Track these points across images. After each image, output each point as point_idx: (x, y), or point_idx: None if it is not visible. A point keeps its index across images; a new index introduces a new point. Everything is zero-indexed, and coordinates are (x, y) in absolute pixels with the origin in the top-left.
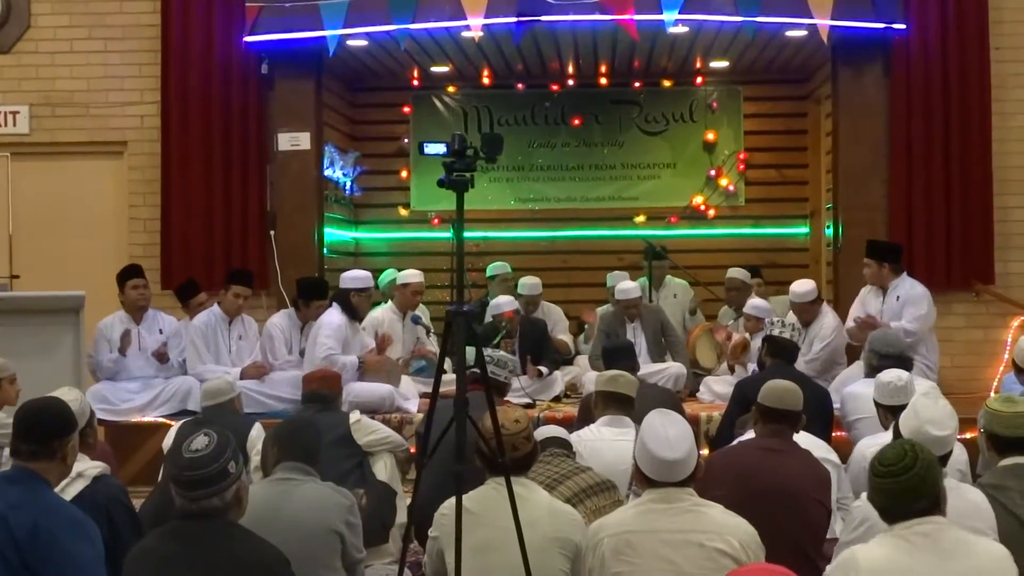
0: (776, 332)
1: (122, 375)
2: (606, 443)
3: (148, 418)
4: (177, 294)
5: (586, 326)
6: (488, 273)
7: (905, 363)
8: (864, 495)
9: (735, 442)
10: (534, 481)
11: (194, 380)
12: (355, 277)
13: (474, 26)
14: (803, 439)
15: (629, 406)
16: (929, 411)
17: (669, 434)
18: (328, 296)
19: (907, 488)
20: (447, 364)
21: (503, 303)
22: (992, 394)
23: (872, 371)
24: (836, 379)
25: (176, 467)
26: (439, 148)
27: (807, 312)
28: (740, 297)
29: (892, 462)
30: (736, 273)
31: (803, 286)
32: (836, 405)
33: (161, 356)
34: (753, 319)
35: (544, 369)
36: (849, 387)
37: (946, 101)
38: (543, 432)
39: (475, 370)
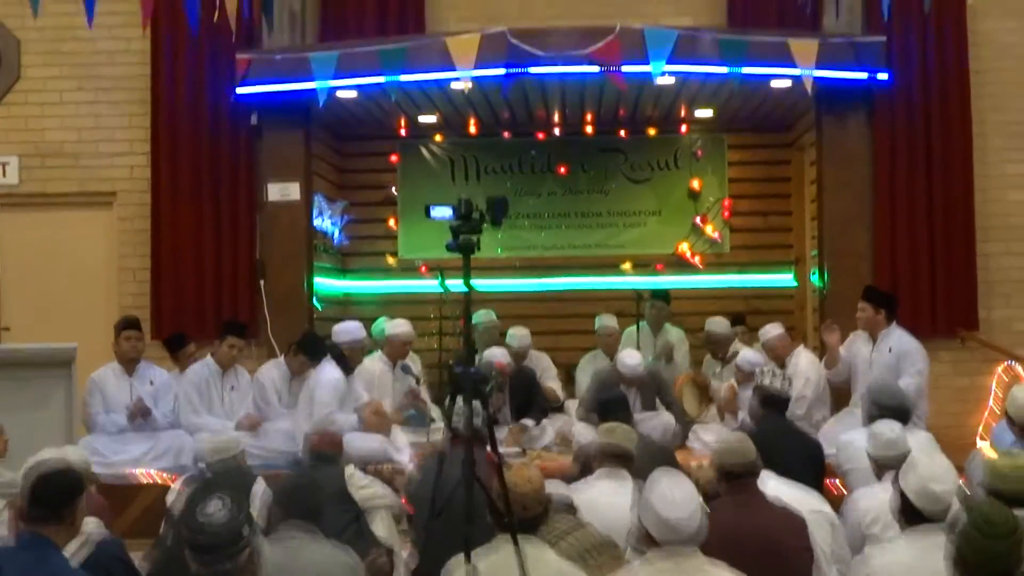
0: (767, 382)
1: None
2: (605, 497)
3: (141, 471)
4: (166, 345)
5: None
6: (473, 321)
7: (904, 415)
8: (868, 554)
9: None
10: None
11: (187, 435)
12: (347, 330)
13: (463, 77)
14: (795, 492)
15: (628, 459)
16: (929, 468)
17: (675, 495)
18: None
19: (1007, 552)
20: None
21: (496, 354)
22: (979, 441)
23: (871, 421)
24: (826, 425)
25: (190, 530)
26: (445, 212)
27: (781, 349)
28: (721, 347)
29: (999, 523)
30: (714, 325)
31: (771, 328)
32: (830, 451)
33: (140, 412)
34: (741, 371)
35: (529, 422)
36: (847, 435)
37: (929, 149)
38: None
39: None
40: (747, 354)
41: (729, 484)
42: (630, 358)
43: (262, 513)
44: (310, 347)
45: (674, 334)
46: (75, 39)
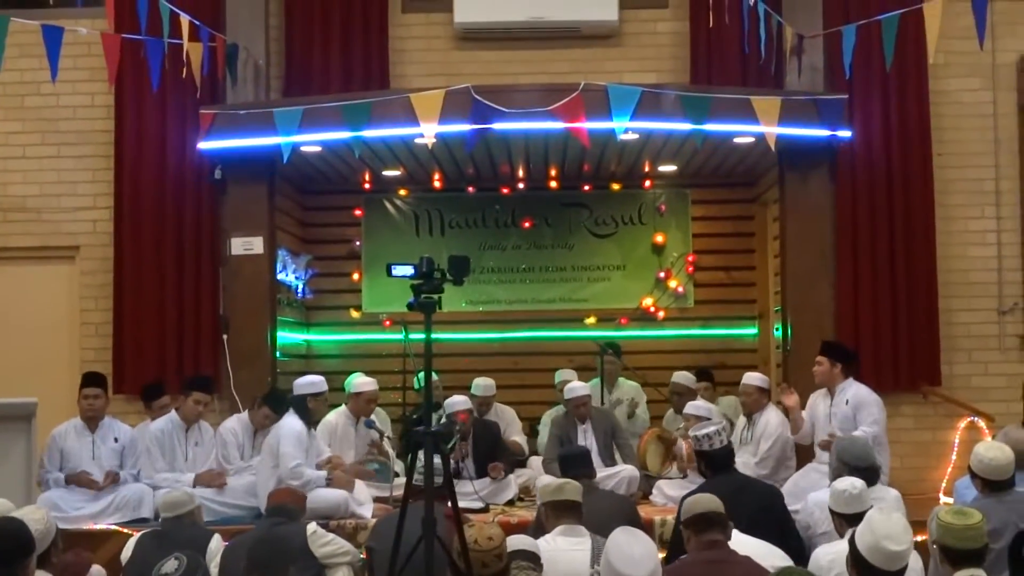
0: (706, 447)
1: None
2: (562, 553)
3: (100, 525)
4: (142, 394)
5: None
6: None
7: (873, 475)
8: None
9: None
10: None
11: (147, 488)
12: (311, 383)
13: (427, 133)
14: (759, 548)
15: (577, 511)
16: (884, 526)
17: (634, 552)
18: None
19: None
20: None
21: (457, 402)
22: (942, 496)
23: (838, 478)
24: (788, 482)
25: None
26: (407, 270)
27: (754, 402)
28: (684, 401)
29: None
30: (679, 378)
31: (758, 375)
32: (795, 506)
33: (111, 478)
34: (692, 419)
35: (501, 465)
36: (815, 495)
37: (891, 205)
38: (512, 543)
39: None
40: (697, 403)
41: (699, 539)
42: (574, 384)
43: (218, 570)
44: (275, 401)
45: (628, 388)
46: (38, 94)
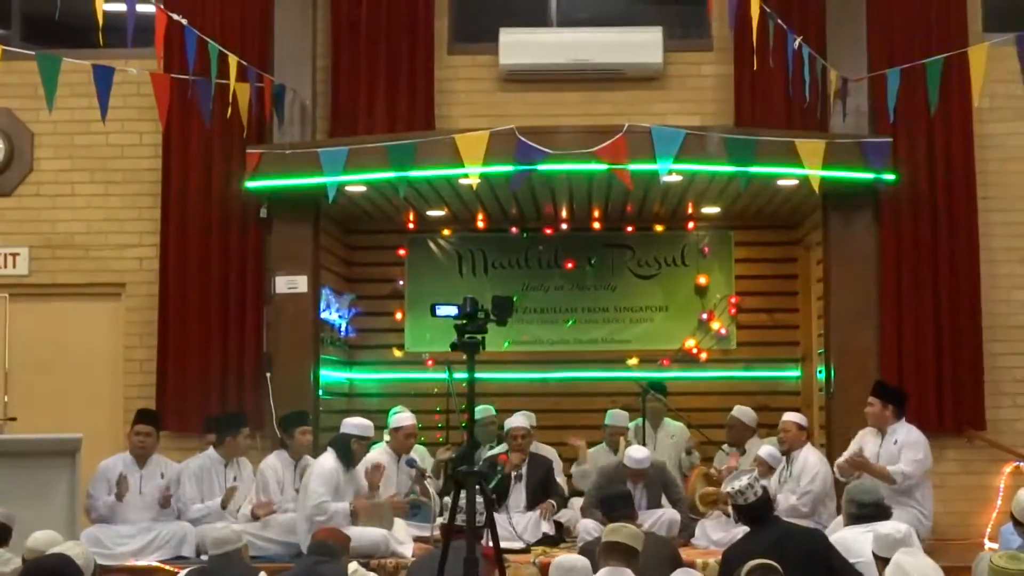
0: (741, 502)
1: (117, 518)
2: None
3: (143, 562)
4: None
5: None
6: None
7: (883, 511)
8: None
9: None
10: None
11: (189, 525)
12: (358, 424)
13: (472, 174)
14: None
15: (633, 557)
16: (916, 569)
17: None
18: (308, 421)
19: None
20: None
21: (499, 451)
22: (987, 542)
23: (852, 519)
24: (833, 524)
25: None
26: (451, 310)
27: (793, 438)
28: (736, 435)
29: None
30: (737, 412)
31: (796, 413)
32: None
33: (165, 500)
34: (765, 465)
35: (554, 502)
36: (834, 535)
37: (935, 249)
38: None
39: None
40: (770, 449)
41: None
42: (637, 452)
43: None
44: (287, 420)
45: (674, 427)
46: (88, 132)
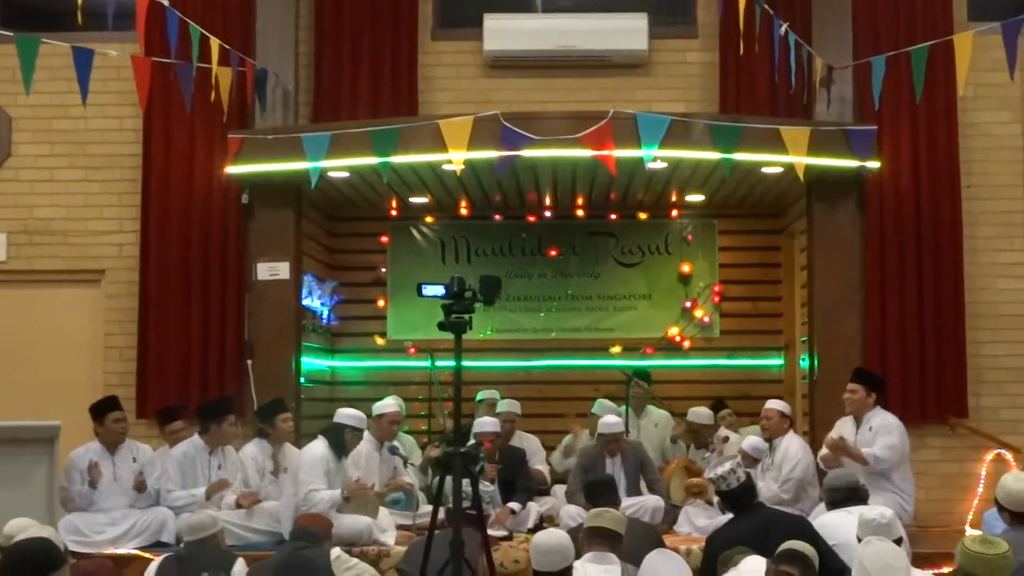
0: (723, 488)
1: (95, 506)
2: None
3: (121, 550)
4: (157, 417)
5: (567, 439)
6: (477, 398)
7: (857, 494)
8: None
9: None
10: None
11: (169, 512)
12: (352, 415)
13: (456, 160)
14: None
15: (616, 542)
16: (878, 560)
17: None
18: (288, 408)
19: None
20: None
21: (487, 423)
22: (968, 528)
23: (829, 505)
24: (816, 510)
25: None
26: (437, 290)
27: (775, 426)
28: (702, 437)
29: None
30: (695, 416)
31: (779, 401)
32: None
33: (140, 485)
34: (749, 458)
35: (515, 506)
36: (818, 518)
37: (919, 237)
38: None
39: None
40: (754, 441)
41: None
42: (609, 418)
43: None
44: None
45: (658, 415)
46: (67, 117)
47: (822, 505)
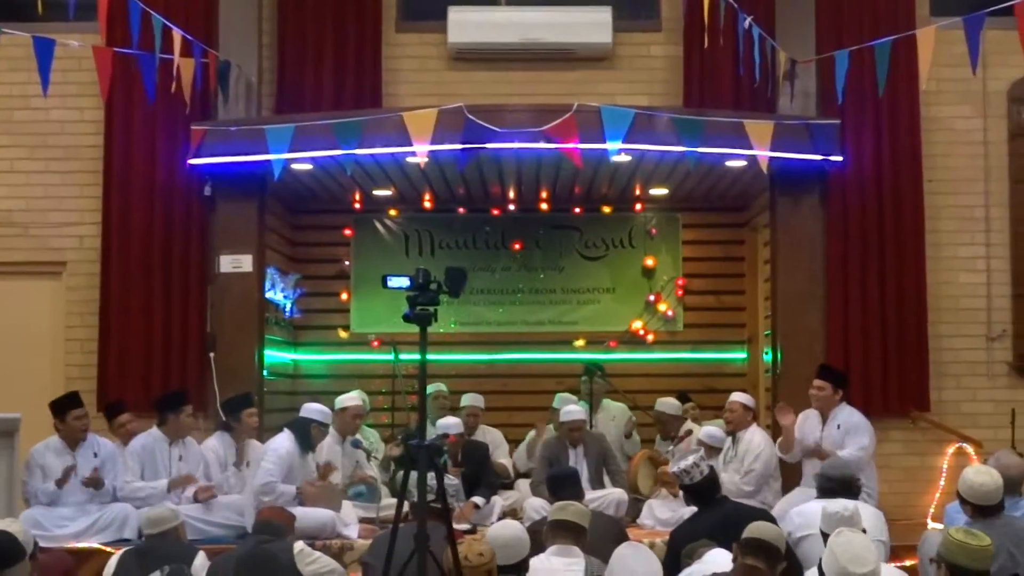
0: (687, 481)
1: (57, 501)
2: (557, 574)
3: (83, 544)
4: (105, 412)
5: (530, 435)
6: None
7: (850, 487)
8: None
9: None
10: None
11: (131, 508)
12: (319, 410)
13: (420, 152)
14: None
15: (580, 535)
16: (847, 550)
17: (637, 569)
18: (254, 403)
19: None
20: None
21: (450, 424)
22: (930, 522)
23: (819, 492)
24: (778, 504)
25: None
26: (402, 282)
27: (739, 419)
28: (671, 427)
29: None
30: (664, 406)
31: (743, 393)
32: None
33: (94, 482)
34: (709, 448)
35: (479, 500)
36: (799, 507)
37: (881, 231)
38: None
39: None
40: (710, 430)
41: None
42: (570, 407)
43: None
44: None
45: (613, 408)
46: (27, 108)
47: (784, 497)
